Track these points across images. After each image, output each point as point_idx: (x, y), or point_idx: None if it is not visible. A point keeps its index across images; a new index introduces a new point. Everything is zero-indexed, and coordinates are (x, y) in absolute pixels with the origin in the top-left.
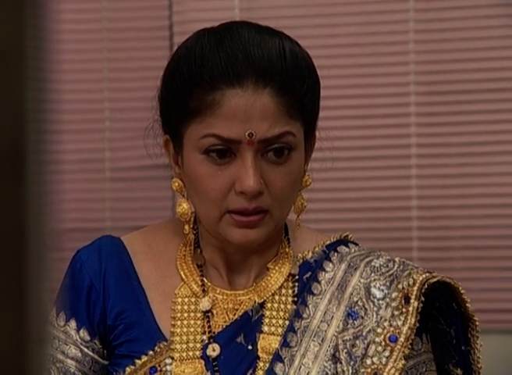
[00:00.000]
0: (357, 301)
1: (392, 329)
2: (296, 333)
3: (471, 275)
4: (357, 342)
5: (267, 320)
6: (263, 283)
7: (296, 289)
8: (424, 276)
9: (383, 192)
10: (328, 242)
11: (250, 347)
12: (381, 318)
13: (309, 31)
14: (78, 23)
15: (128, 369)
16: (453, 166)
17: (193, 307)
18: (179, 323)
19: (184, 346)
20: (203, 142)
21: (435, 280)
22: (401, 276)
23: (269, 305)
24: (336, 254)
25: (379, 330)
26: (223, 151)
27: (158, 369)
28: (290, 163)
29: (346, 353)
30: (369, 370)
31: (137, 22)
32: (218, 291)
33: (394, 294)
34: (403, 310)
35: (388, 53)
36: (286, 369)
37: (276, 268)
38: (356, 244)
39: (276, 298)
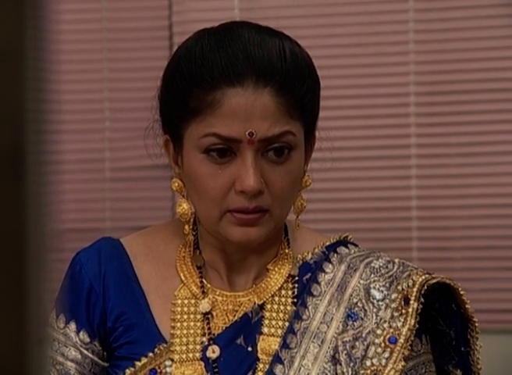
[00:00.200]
0: (356, 303)
1: (391, 330)
2: (296, 334)
3: (471, 275)
4: (357, 343)
5: (267, 322)
6: (263, 285)
7: (295, 290)
8: (423, 277)
9: (383, 192)
10: (327, 243)
11: (249, 348)
12: (380, 319)
13: (309, 31)
14: (78, 23)
15: (128, 371)
16: (452, 166)
17: (192, 309)
18: (178, 324)
19: (184, 348)
20: (203, 141)
21: (434, 281)
22: (401, 277)
23: (269, 306)
24: (335, 255)
25: (379, 332)
26: (223, 151)
27: (158, 371)
28: (290, 163)
29: (345, 354)
30: (369, 372)
31: (137, 22)
32: (217, 293)
33: (394, 296)
34: (403, 311)
35: (388, 53)
36: (286, 371)
37: (276, 269)
38: (355, 245)
39: (276, 299)
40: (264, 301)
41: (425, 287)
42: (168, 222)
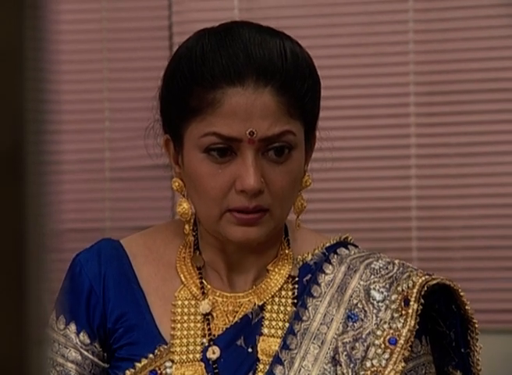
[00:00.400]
0: (356, 304)
1: (391, 331)
2: (296, 335)
3: (471, 275)
4: (357, 345)
5: (267, 322)
6: (263, 286)
7: (296, 291)
8: (423, 278)
9: (382, 192)
10: (327, 244)
11: (250, 349)
12: (380, 320)
13: (309, 31)
14: (78, 23)
15: (128, 372)
16: (452, 166)
17: (193, 310)
18: (179, 326)
19: (184, 349)
20: (203, 141)
21: (434, 282)
22: (401, 278)
23: (269, 307)
24: (335, 256)
25: (379, 333)
26: (224, 150)
27: (158, 372)
28: (290, 162)
29: (345, 355)
30: (369, 373)
31: (137, 22)
32: (217, 294)
33: (394, 297)
34: (403, 312)
35: (388, 53)
36: (286, 372)
37: (276, 270)
38: (356, 246)
39: (276, 300)
40: (265, 302)
41: (425, 288)
42: (169, 222)
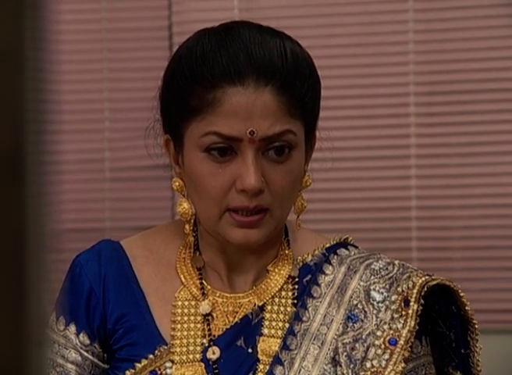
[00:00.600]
0: (356, 304)
1: (391, 332)
2: (296, 336)
3: (471, 275)
4: (357, 345)
5: (267, 323)
6: (263, 286)
7: (296, 292)
8: (423, 279)
9: (382, 192)
10: (327, 245)
11: (250, 350)
12: (380, 321)
13: (309, 31)
14: (78, 23)
15: (128, 373)
16: (452, 166)
17: (193, 310)
18: (179, 326)
19: (184, 349)
20: (204, 140)
21: (434, 282)
22: (401, 279)
23: (269, 307)
24: (335, 257)
25: (379, 333)
26: (224, 149)
27: (158, 372)
28: (291, 162)
29: (345, 356)
30: (369, 373)
31: (137, 22)
32: (217, 294)
33: (394, 297)
34: (403, 313)
35: (388, 53)
36: (286, 372)
37: (276, 270)
38: (356, 247)
39: (276, 300)
40: (265, 303)
41: (425, 289)
42: (169, 222)
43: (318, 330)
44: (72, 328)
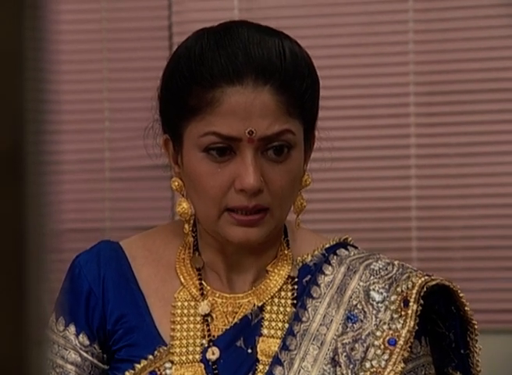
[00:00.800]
0: (356, 305)
1: (391, 332)
2: (296, 336)
3: (471, 275)
4: (357, 345)
5: (266, 323)
6: (262, 286)
7: (295, 292)
8: (423, 279)
9: (382, 192)
10: (327, 245)
11: (249, 350)
12: (380, 321)
13: (309, 31)
14: (78, 23)
15: (127, 374)
16: (452, 166)
17: (192, 311)
18: (178, 327)
19: (184, 350)
20: (203, 140)
21: (434, 283)
22: (400, 279)
23: (269, 307)
24: (335, 257)
25: (378, 333)
26: (223, 149)
27: (158, 373)
28: (290, 161)
29: (345, 356)
30: (368, 373)
31: (137, 22)
32: (217, 295)
33: (393, 298)
34: (403, 313)
35: (388, 53)
36: (286, 373)
37: (275, 270)
38: (355, 247)
39: (276, 300)
40: (264, 303)
41: (425, 289)
42: (169, 223)
43: (317, 331)
44: (72, 329)
